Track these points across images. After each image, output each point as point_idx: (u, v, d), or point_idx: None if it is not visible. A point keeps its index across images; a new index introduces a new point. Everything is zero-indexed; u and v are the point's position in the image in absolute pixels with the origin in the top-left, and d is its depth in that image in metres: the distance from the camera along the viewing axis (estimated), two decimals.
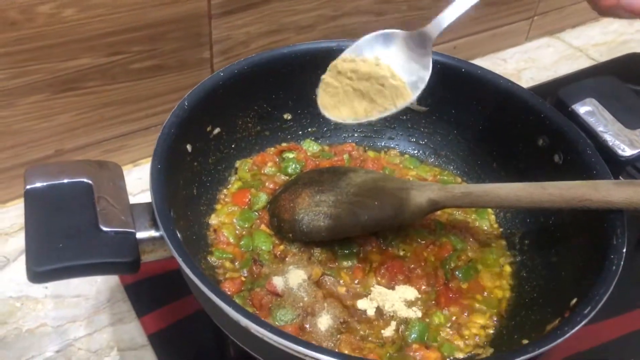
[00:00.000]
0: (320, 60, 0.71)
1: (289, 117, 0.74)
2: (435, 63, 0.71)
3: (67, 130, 0.79)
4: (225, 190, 0.71)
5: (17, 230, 0.78)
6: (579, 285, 0.54)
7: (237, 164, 0.72)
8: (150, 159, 0.86)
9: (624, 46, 1.19)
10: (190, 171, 0.64)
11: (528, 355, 0.46)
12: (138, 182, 0.85)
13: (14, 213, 0.80)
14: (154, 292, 0.72)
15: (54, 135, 0.79)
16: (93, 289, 0.73)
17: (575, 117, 0.69)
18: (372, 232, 0.65)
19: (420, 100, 0.75)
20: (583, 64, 1.14)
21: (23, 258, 0.74)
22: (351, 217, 0.62)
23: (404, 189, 0.62)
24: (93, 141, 0.82)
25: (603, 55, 1.16)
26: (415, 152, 0.78)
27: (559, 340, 0.46)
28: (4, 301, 0.71)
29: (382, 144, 0.79)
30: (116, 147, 0.85)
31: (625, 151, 0.66)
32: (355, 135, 0.79)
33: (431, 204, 0.61)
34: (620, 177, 0.66)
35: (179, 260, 0.47)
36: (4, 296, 0.71)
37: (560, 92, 0.70)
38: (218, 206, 0.69)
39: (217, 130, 0.68)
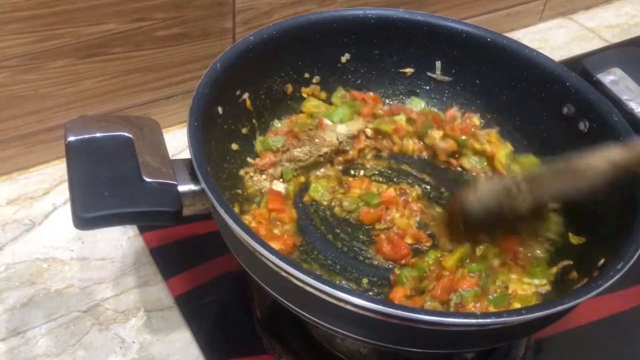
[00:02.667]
0: (347, 28, 0.73)
1: (317, 81, 0.74)
2: (460, 33, 0.73)
3: (91, 97, 0.80)
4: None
5: (41, 194, 0.79)
6: (608, 246, 0.55)
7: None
8: (173, 127, 0.88)
9: (636, 28, 1.20)
10: (220, 133, 0.64)
11: (561, 307, 0.47)
12: None
13: (38, 178, 0.80)
14: (180, 256, 0.73)
15: (78, 101, 0.79)
16: (118, 252, 0.74)
17: (600, 86, 0.70)
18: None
19: (445, 70, 0.76)
20: (596, 45, 1.15)
21: (48, 221, 0.76)
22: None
23: (578, 160, 0.57)
24: (116, 109, 0.83)
25: (615, 37, 1.17)
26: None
27: (593, 293, 0.47)
28: (31, 262, 0.71)
29: None
30: (140, 115, 0.85)
31: None
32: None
33: (613, 167, 0.54)
34: None
35: (220, 210, 0.48)
36: (31, 257, 0.72)
37: (585, 61, 0.71)
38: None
39: (245, 94, 0.68)
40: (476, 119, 0.75)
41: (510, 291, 0.59)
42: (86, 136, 0.51)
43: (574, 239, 0.61)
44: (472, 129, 0.73)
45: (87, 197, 0.48)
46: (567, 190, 0.58)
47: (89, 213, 0.47)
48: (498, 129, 0.74)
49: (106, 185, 0.49)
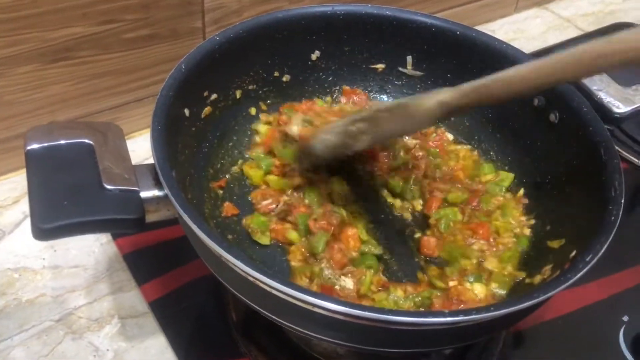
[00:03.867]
0: (316, 25, 0.72)
1: (287, 80, 0.73)
2: (429, 27, 0.73)
3: (60, 101, 0.78)
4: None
5: (11, 203, 0.77)
6: (578, 239, 0.55)
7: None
8: (144, 131, 0.87)
9: (611, 16, 1.21)
10: (188, 136, 0.63)
11: (530, 303, 0.46)
12: (132, 155, 0.83)
13: (8, 187, 0.79)
14: (153, 261, 0.72)
15: (47, 107, 0.78)
16: (91, 259, 0.73)
17: None
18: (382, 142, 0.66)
19: (416, 64, 0.75)
20: (571, 34, 1.15)
21: (19, 230, 0.74)
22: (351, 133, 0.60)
23: (411, 100, 0.59)
24: (86, 113, 0.82)
25: (591, 25, 1.18)
26: None
27: (562, 287, 0.47)
28: (1, 272, 0.70)
29: None
30: (109, 120, 0.84)
31: (620, 108, 0.67)
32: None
33: (441, 106, 0.56)
34: (615, 135, 0.66)
35: (184, 216, 0.47)
36: (1, 267, 0.71)
37: (555, 52, 0.70)
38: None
39: (213, 95, 0.67)
40: (449, 135, 0.75)
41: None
42: (46, 144, 0.50)
43: (554, 244, 0.61)
44: (445, 145, 0.74)
45: (45, 207, 0.47)
46: (401, 131, 0.63)
47: (48, 223, 0.46)
48: (469, 148, 0.74)
49: (66, 194, 0.48)
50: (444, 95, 0.57)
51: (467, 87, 0.56)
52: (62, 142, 0.51)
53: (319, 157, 0.64)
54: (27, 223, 0.75)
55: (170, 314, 0.68)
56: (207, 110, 0.66)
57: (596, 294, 0.74)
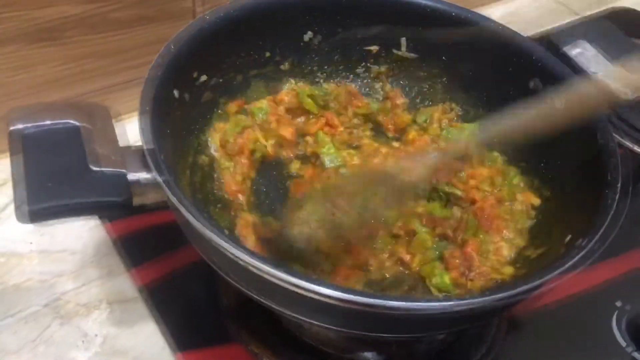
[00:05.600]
0: (309, 5, 0.71)
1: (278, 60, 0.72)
2: (424, 8, 0.71)
3: (46, 82, 0.77)
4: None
5: None
6: (575, 222, 0.54)
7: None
8: (133, 113, 0.84)
9: (607, 0, 1.19)
10: (178, 118, 0.62)
11: (526, 287, 0.46)
12: (121, 138, 0.81)
13: None
14: (144, 245, 0.71)
15: (32, 88, 0.76)
16: (79, 243, 0.72)
17: (566, 59, 0.69)
18: None
19: (410, 46, 0.74)
20: (567, 18, 1.14)
21: (4, 214, 0.73)
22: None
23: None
24: (73, 95, 0.80)
25: (586, 10, 1.16)
26: (406, 99, 0.77)
27: (558, 271, 0.46)
28: None
29: None
30: (97, 102, 0.82)
31: (628, 95, 0.66)
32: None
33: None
34: (611, 120, 0.66)
35: (173, 199, 0.46)
36: None
37: (551, 34, 0.69)
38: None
39: (203, 77, 0.66)
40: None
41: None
42: (30, 125, 0.49)
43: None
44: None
45: (30, 188, 0.46)
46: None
47: (32, 205, 0.45)
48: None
49: (50, 176, 0.47)
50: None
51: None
52: (48, 122, 0.50)
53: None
54: (12, 208, 0.74)
55: (160, 299, 0.67)
56: (207, 95, 0.65)
57: (589, 279, 0.73)
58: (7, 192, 0.75)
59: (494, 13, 1.13)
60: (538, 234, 0.62)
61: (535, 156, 0.67)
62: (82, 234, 0.72)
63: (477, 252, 0.60)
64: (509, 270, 0.59)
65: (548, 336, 0.68)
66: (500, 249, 0.60)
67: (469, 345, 0.66)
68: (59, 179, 0.47)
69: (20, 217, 0.45)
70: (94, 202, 0.47)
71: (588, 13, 1.14)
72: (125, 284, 0.68)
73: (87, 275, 0.69)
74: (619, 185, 0.53)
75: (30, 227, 0.72)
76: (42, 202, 0.46)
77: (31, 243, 0.71)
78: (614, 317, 0.70)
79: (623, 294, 0.72)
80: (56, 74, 0.76)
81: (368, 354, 0.63)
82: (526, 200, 0.64)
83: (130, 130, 0.81)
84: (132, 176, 0.49)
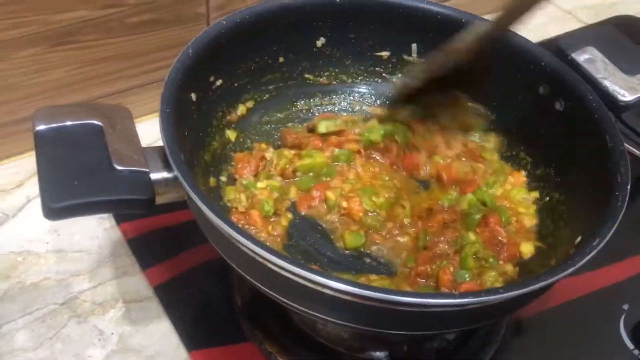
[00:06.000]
0: (321, 11, 0.72)
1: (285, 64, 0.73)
2: (435, 14, 0.73)
3: (63, 86, 0.78)
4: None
5: (15, 187, 0.77)
6: (584, 225, 0.55)
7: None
8: (147, 116, 0.87)
9: (611, 9, 1.21)
10: (194, 121, 0.63)
11: (540, 285, 0.47)
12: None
13: (11, 170, 0.79)
14: (158, 246, 0.72)
15: (50, 91, 0.78)
16: (95, 243, 0.73)
17: (575, 65, 0.70)
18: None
19: (421, 52, 0.75)
20: (572, 26, 1.15)
21: (22, 214, 0.74)
22: None
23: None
24: (89, 98, 0.81)
25: (591, 18, 1.18)
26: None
27: (570, 270, 0.47)
28: (5, 256, 0.70)
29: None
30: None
31: (625, 96, 0.67)
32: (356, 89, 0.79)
33: (477, 36, 0.61)
34: (619, 123, 0.67)
35: (194, 197, 0.47)
36: (5, 251, 0.71)
37: (559, 41, 0.71)
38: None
39: (219, 81, 0.67)
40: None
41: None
42: (54, 125, 0.50)
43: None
44: None
45: (56, 186, 0.47)
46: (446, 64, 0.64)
47: (59, 203, 0.46)
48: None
49: (76, 174, 0.48)
50: (476, 30, 0.61)
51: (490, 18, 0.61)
52: (72, 123, 0.51)
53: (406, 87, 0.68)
54: (31, 207, 0.75)
55: (175, 299, 0.68)
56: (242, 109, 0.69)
57: (597, 282, 0.74)
58: (24, 192, 0.77)
59: None
60: (547, 236, 0.63)
61: (544, 160, 0.68)
62: (98, 234, 0.74)
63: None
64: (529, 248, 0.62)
65: (556, 338, 0.69)
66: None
67: (478, 346, 0.67)
68: (84, 177, 0.48)
69: (48, 214, 0.47)
70: (118, 199, 0.48)
71: (594, 21, 1.15)
72: (140, 283, 0.70)
73: (103, 274, 0.70)
74: (629, 187, 0.53)
75: (46, 227, 0.73)
76: (69, 199, 0.47)
77: (48, 243, 0.72)
78: (622, 319, 0.71)
79: (631, 296, 0.73)
80: (74, 77, 0.78)
81: (380, 354, 0.63)
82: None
83: (145, 132, 0.83)
84: (154, 175, 0.50)
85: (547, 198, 0.65)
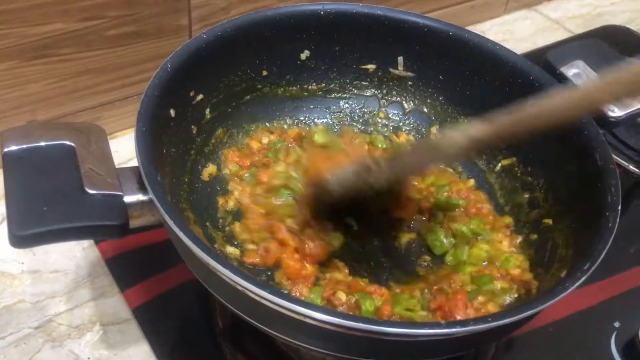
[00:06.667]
0: (305, 24, 0.70)
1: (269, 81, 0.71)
2: (421, 27, 0.71)
3: (40, 100, 0.76)
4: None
5: None
6: (574, 246, 0.54)
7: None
8: (127, 130, 0.85)
9: (599, 18, 1.20)
10: (174, 137, 0.61)
11: (528, 313, 0.45)
12: (115, 155, 0.80)
13: None
14: (137, 266, 0.70)
15: (26, 105, 0.75)
16: (72, 263, 0.71)
17: (563, 79, 0.68)
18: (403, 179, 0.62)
19: (407, 65, 0.74)
20: (560, 35, 1.15)
21: None
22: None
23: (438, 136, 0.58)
24: (67, 112, 0.79)
25: (579, 27, 1.17)
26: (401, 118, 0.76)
27: (560, 297, 0.46)
28: None
29: None
30: (92, 119, 0.82)
31: (615, 112, 0.66)
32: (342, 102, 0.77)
33: (472, 141, 0.53)
34: (607, 139, 0.66)
35: (170, 222, 0.45)
36: None
37: (548, 54, 0.69)
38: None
39: (200, 96, 0.65)
40: None
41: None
42: (24, 146, 0.48)
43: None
44: None
45: (24, 212, 0.45)
46: (426, 164, 0.60)
47: (26, 230, 0.44)
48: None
49: (45, 199, 0.46)
50: (474, 129, 0.53)
51: (501, 122, 0.52)
52: (42, 144, 0.49)
53: (331, 195, 0.59)
54: (5, 226, 0.72)
55: (154, 321, 0.66)
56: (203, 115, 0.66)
57: (588, 299, 0.73)
58: None
59: (488, 31, 1.14)
60: (538, 252, 0.61)
61: (532, 178, 0.66)
62: (75, 254, 0.71)
63: None
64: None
65: (547, 356, 0.68)
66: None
67: None
68: (54, 202, 0.46)
69: (14, 243, 0.44)
70: (90, 226, 0.46)
71: (581, 31, 1.15)
72: (119, 305, 0.67)
73: (80, 296, 0.68)
74: (619, 207, 0.52)
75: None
76: (37, 227, 0.45)
77: (23, 263, 0.70)
78: (613, 337, 0.70)
79: (621, 314, 0.72)
80: (51, 91, 0.76)
81: None
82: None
83: (124, 148, 0.82)
84: (128, 198, 0.48)
85: (535, 235, 0.63)
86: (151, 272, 0.69)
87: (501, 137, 0.53)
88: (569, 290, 0.46)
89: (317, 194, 0.61)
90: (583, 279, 0.47)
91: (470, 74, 0.71)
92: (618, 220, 0.51)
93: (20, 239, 0.44)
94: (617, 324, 0.71)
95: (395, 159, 0.59)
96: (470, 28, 1.14)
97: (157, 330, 0.65)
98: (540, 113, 0.51)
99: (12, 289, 0.67)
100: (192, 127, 0.65)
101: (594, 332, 0.70)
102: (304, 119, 0.75)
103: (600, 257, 0.48)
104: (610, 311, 0.72)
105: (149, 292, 0.68)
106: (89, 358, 0.63)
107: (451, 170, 0.72)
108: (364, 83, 0.76)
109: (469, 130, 0.53)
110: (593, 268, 0.48)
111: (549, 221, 0.61)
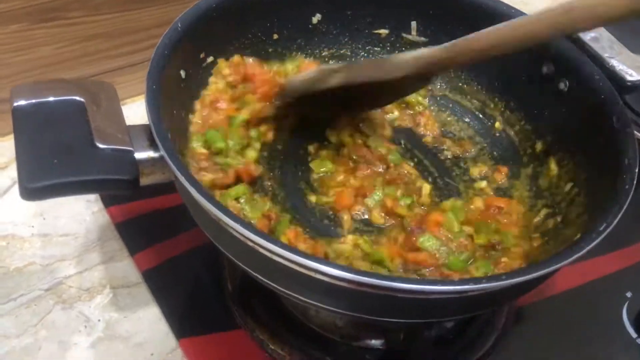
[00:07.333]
0: None
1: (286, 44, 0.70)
2: None
3: (49, 64, 0.75)
4: None
5: None
6: (591, 208, 0.53)
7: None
8: (137, 97, 0.84)
9: None
10: (184, 99, 0.60)
11: (542, 272, 0.45)
12: (126, 121, 0.81)
13: None
14: (146, 230, 0.70)
15: (36, 69, 0.75)
16: (82, 227, 0.71)
17: (581, 44, 0.67)
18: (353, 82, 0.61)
19: (420, 30, 0.73)
20: None
21: (7, 196, 0.72)
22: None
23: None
24: (76, 77, 0.79)
25: None
26: None
27: (575, 256, 0.45)
28: None
29: None
30: None
31: (633, 76, 0.65)
32: None
33: (416, 59, 0.57)
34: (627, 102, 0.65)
35: (181, 179, 0.45)
36: None
37: None
38: None
39: (210, 58, 0.64)
40: None
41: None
42: (34, 101, 0.48)
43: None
44: None
45: (34, 165, 0.45)
46: (374, 75, 0.60)
47: (37, 183, 0.44)
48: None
49: (55, 152, 0.45)
50: (420, 51, 0.57)
51: (446, 44, 0.56)
52: (51, 99, 0.48)
53: (294, 90, 0.63)
54: (15, 190, 0.71)
55: (164, 284, 0.66)
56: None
57: (600, 269, 0.72)
58: (9, 174, 0.74)
59: None
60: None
61: (548, 143, 0.65)
62: (85, 217, 0.71)
63: None
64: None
65: (557, 326, 0.67)
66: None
67: (477, 335, 0.65)
68: (64, 156, 0.45)
69: (25, 195, 0.44)
70: (100, 179, 0.46)
71: None
72: (129, 268, 0.67)
73: (90, 259, 0.68)
74: (637, 169, 0.51)
75: (32, 210, 0.71)
76: (48, 179, 0.44)
77: (33, 226, 0.70)
78: (625, 307, 0.69)
79: (634, 284, 0.71)
80: (60, 55, 0.75)
81: (376, 342, 0.61)
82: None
83: (135, 114, 0.81)
84: (139, 154, 0.48)
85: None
86: (161, 237, 0.69)
87: (447, 57, 0.56)
88: (585, 250, 0.45)
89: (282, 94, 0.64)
90: (599, 239, 0.46)
91: None
92: (635, 182, 0.50)
93: (31, 191, 0.44)
94: (629, 294, 0.70)
95: (348, 68, 0.61)
96: None
97: (167, 294, 0.65)
98: (490, 36, 0.54)
99: (23, 251, 0.67)
100: (202, 90, 0.64)
101: (605, 302, 0.70)
102: None
103: (616, 219, 0.47)
104: (622, 281, 0.72)
105: (159, 256, 0.68)
106: (99, 320, 0.63)
107: None
108: (376, 49, 0.75)
109: (416, 51, 0.57)
110: (609, 229, 0.47)
111: (568, 186, 0.60)
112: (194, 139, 0.60)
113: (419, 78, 0.60)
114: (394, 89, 0.63)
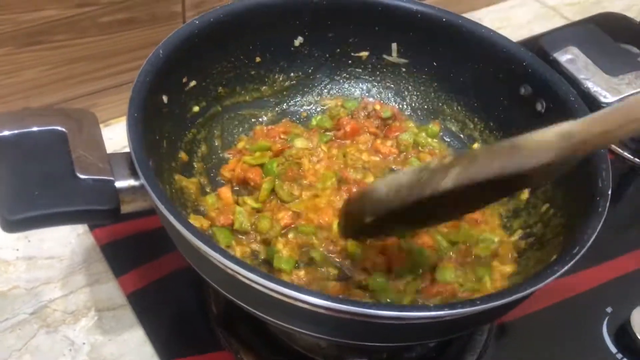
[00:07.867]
0: (299, 10, 0.70)
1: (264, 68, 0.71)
2: (415, 13, 0.71)
3: (34, 87, 0.76)
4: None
5: None
6: (565, 230, 0.54)
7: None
8: (122, 118, 0.85)
9: (596, 6, 1.20)
10: (167, 124, 0.61)
11: (519, 295, 0.45)
12: (109, 143, 0.80)
13: None
14: (131, 252, 0.70)
15: (20, 92, 0.75)
16: (67, 250, 0.71)
17: (557, 66, 0.69)
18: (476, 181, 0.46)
19: (401, 52, 0.74)
20: (557, 23, 1.14)
21: None
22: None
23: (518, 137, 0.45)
24: (61, 99, 0.79)
25: (576, 15, 1.17)
26: (397, 105, 0.76)
27: (549, 280, 0.46)
28: None
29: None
30: (86, 106, 0.82)
31: (607, 98, 0.66)
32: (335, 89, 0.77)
33: (563, 137, 0.43)
34: None
35: (161, 208, 0.46)
36: None
37: (541, 40, 0.69)
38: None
39: (192, 82, 0.65)
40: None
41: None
42: (16, 131, 0.48)
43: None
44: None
45: (15, 197, 0.45)
46: (510, 170, 0.45)
47: (17, 215, 0.44)
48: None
49: (36, 183, 0.46)
50: (565, 125, 0.44)
51: (594, 115, 0.45)
52: (34, 129, 0.49)
53: (380, 205, 0.49)
54: None
55: (149, 307, 0.66)
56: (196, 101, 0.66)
57: (580, 285, 0.73)
58: None
59: (485, 18, 1.13)
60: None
61: None
62: (70, 240, 0.72)
63: None
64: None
65: (539, 342, 0.68)
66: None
67: (461, 351, 0.66)
68: (45, 187, 0.46)
69: (5, 227, 0.45)
70: (80, 210, 0.46)
71: (578, 18, 1.14)
72: (114, 291, 0.68)
73: (75, 282, 0.68)
74: (610, 192, 0.52)
75: (16, 234, 0.71)
76: (28, 211, 0.45)
77: (17, 249, 0.70)
78: (605, 323, 0.70)
79: (614, 299, 0.72)
80: (45, 78, 0.76)
81: None
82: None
83: (119, 135, 0.82)
84: (119, 183, 0.48)
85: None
86: (146, 259, 0.70)
87: (599, 135, 0.44)
88: (558, 273, 0.46)
89: (359, 210, 0.51)
90: (572, 262, 0.47)
91: (463, 61, 0.71)
92: (608, 205, 0.52)
93: (12, 223, 0.45)
94: (609, 310, 0.71)
95: (465, 159, 0.46)
96: (467, 15, 1.12)
97: (152, 316, 0.65)
98: None
99: (7, 275, 0.68)
100: (185, 113, 0.65)
101: (586, 317, 0.71)
102: (297, 104, 0.75)
103: (589, 241, 0.49)
104: (602, 297, 0.73)
105: (144, 278, 0.68)
106: (83, 343, 0.63)
107: None
108: (357, 69, 0.76)
109: (559, 127, 0.44)
110: (582, 252, 0.48)
111: (544, 207, 0.61)
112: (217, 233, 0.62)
113: (563, 162, 0.45)
114: (512, 187, 0.49)
